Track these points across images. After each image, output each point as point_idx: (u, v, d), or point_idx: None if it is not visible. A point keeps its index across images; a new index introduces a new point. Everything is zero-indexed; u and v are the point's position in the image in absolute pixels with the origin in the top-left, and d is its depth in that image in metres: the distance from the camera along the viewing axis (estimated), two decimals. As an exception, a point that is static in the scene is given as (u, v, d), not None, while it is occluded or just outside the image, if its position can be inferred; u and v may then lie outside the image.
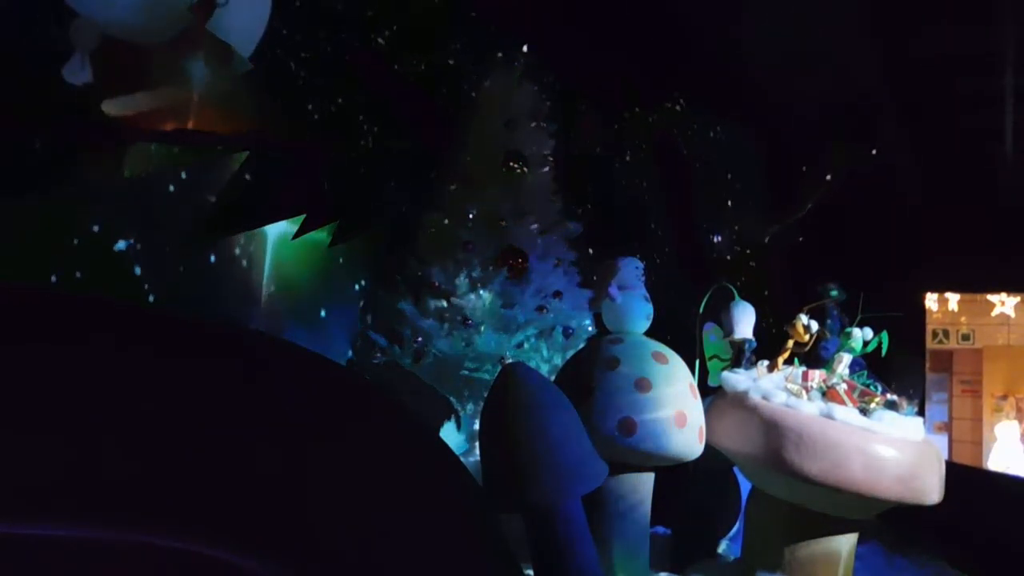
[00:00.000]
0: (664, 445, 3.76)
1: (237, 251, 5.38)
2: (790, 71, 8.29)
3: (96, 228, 4.39)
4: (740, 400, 3.97)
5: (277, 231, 5.76)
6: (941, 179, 9.17)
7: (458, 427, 5.24)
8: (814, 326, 4.27)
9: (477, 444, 4.31)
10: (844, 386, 3.97)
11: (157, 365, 2.06)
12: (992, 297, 9.80)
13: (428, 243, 5.92)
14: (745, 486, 4.40)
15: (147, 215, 4.74)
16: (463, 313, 5.57)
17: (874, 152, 9.35)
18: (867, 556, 4.47)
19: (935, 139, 9.11)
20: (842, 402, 3.83)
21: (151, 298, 4.69)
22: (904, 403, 3.92)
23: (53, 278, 4.11)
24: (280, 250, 5.80)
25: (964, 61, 8.42)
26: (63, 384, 1.90)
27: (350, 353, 6.04)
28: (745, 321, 4.66)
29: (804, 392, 3.90)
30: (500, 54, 6.34)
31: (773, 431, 3.73)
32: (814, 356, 4.39)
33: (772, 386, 3.95)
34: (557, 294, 5.87)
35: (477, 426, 4.59)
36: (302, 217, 5.86)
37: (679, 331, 5.01)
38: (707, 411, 4.05)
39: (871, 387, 4.04)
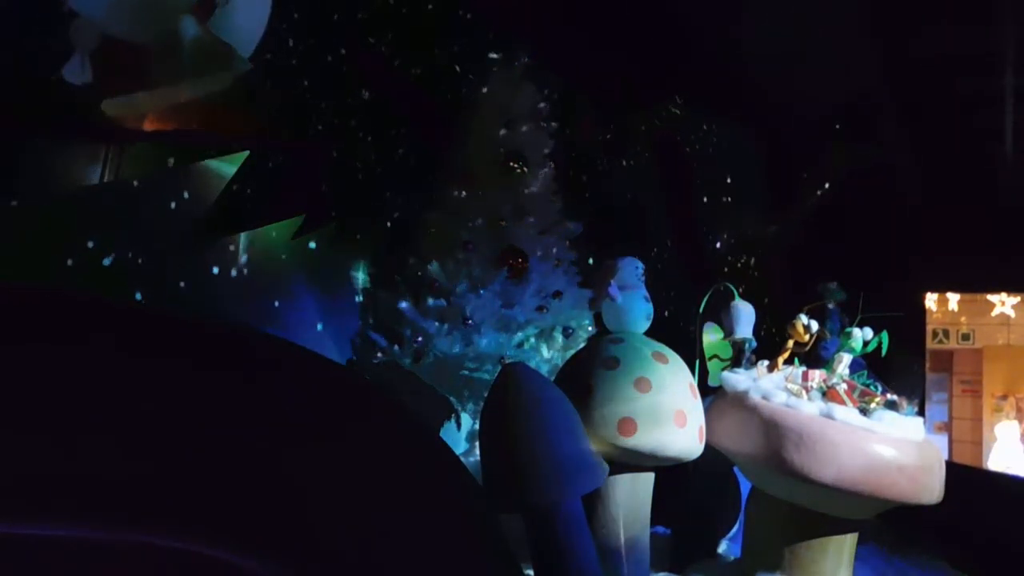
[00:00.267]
0: (664, 445, 3.76)
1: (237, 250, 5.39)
2: (790, 71, 8.28)
3: (96, 228, 4.39)
4: (740, 400, 3.97)
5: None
6: (941, 179, 9.17)
7: (458, 427, 5.25)
8: (814, 326, 4.27)
9: (477, 444, 4.31)
10: (844, 386, 3.97)
11: (157, 365, 2.06)
12: (992, 297, 9.79)
13: (428, 243, 5.91)
14: (745, 486, 4.40)
15: (147, 215, 4.74)
16: (463, 313, 5.57)
17: (873, 152, 9.34)
18: (867, 556, 4.47)
19: (935, 139, 9.10)
20: (842, 402, 3.83)
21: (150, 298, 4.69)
22: (904, 403, 3.93)
23: (52, 278, 4.11)
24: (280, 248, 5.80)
25: (964, 61, 8.42)
26: (63, 384, 1.90)
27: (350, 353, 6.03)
28: (745, 321, 4.66)
29: (804, 392, 3.90)
30: (500, 54, 6.33)
31: (773, 431, 3.73)
32: (814, 356, 4.39)
33: (772, 386, 3.95)
34: (557, 294, 5.87)
35: (477, 426, 4.60)
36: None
37: (679, 331, 5.02)
38: (707, 411, 4.05)
39: (871, 387, 4.04)
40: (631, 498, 3.93)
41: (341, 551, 2.13)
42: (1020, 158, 8.80)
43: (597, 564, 3.55)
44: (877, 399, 3.90)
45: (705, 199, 9.34)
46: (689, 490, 4.44)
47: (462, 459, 3.76)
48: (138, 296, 4.62)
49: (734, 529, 4.69)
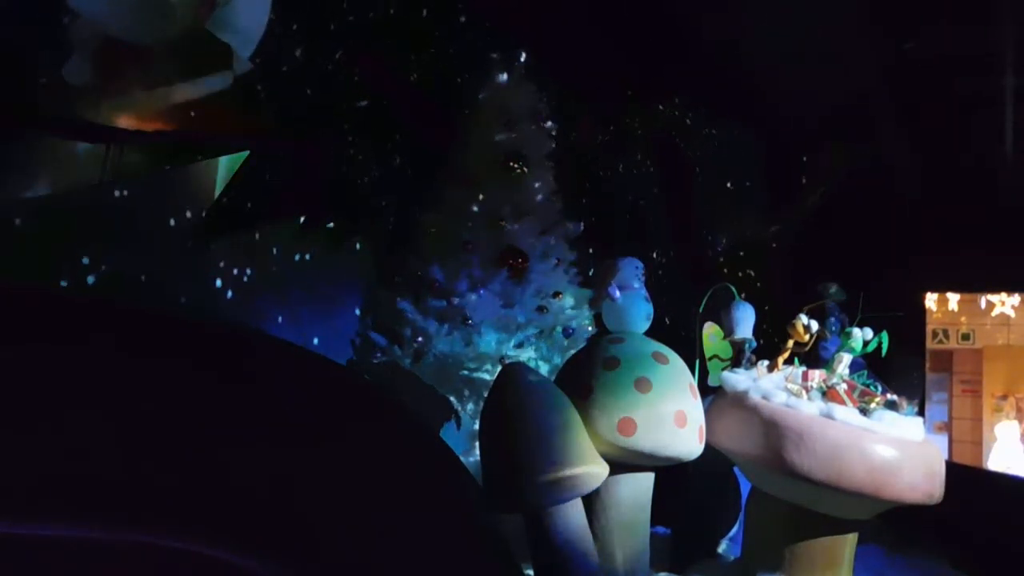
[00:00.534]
0: (664, 445, 3.76)
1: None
2: (790, 71, 8.28)
3: (96, 229, 4.39)
4: (740, 400, 3.97)
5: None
6: (941, 179, 9.17)
7: (458, 427, 5.25)
8: (814, 326, 4.27)
9: (477, 444, 4.31)
10: (844, 386, 3.97)
11: (157, 365, 2.06)
12: (992, 297, 9.79)
13: (428, 243, 5.92)
14: (745, 486, 4.40)
15: (147, 216, 4.74)
16: (463, 313, 5.57)
17: (873, 152, 9.34)
18: (867, 556, 4.47)
19: (935, 139, 9.10)
20: (842, 402, 3.83)
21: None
22: (904, 403, 3.93)
23: (51, 279, 4.11)
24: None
25: (963, 61, 8.42)
26: (63, 384, 1.90)
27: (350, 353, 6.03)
28: (745, 321, 4.66)
29: (804, 392, 3.90)
30: (500, 55, 6.34)
31: (773, 431, 3.73)
32: (814, 356, 4.39)
33: (772, 386, 3.95)
34: (557, 294, 5.88)
35: (477, 426, 4.60)
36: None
37: (679, 331, 5.02)
38: (707, 411, 4.04)
39: (871, 387, 4.04)
40: (631, 498, 3.93)
41: (341, 551, 2.13)
42: (1020, 158, 8.80)
43: (597, 564, 3.55)
44: (877, 399, 3.90)
45: (705, 199, 9.35)
46: (689, 490, 4.44)
47: (462, 459, 3.76)
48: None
49: (734, 529, 4.69)
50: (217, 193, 5.22)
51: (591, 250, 6.38)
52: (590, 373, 3.86)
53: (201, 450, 1.99)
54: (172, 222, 4.92)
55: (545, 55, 6.67)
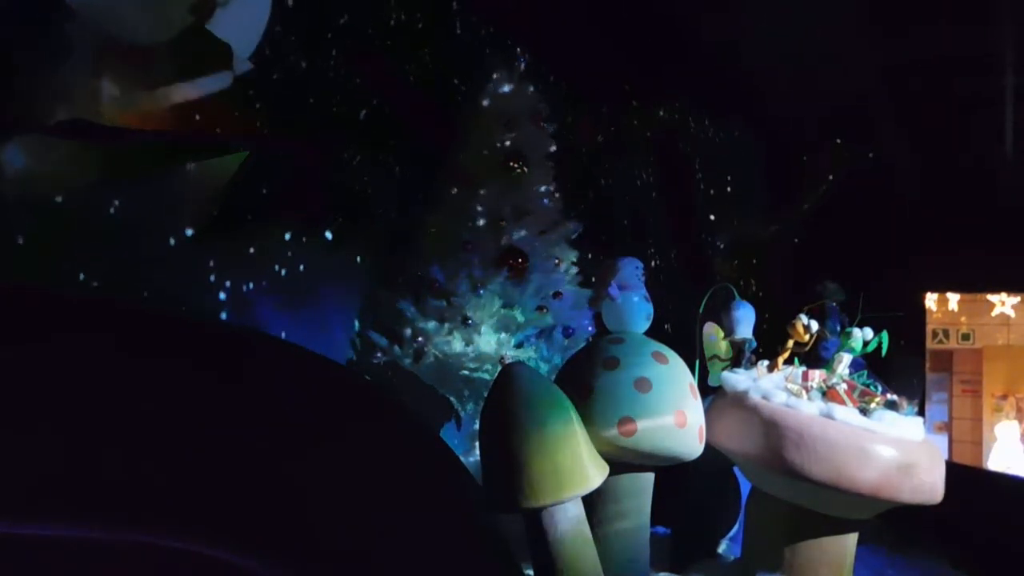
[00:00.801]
0: (664, 445, 3.76)
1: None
2: (790, 71, 8.29)
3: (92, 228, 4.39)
4: (740, 400, 3.96)
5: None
6: (941, 179, 9.17)
7: (458, 427, 5.25)
8: (814, 326, 4.27)
9: (477, 444, 4.31)
10: (844, 386, 3.97)
11: (157, 365, 2.06)
12: (992, 297, 9.79)
13: (428, 243, 5.92)
14: (745, 486, 4.40)
15: (146, 216, 4.74)
16: (463, 313, 5.57)
17: (873, 152, 9.35)
18: (867, 556, 4.46)
19: (935, 139, 9.10)
20: (842, 402, 3.82)
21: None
22: (904, 403, 3.92)
23: (49, 278, 4.11)
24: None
25: (963, 61, 8.42)
26: (63, 384, 1.90)
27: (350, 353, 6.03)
28: (745, 321, 4.66)
29: (804, 392, 3.89)
30: (499, 55, 6.34)
31: (773, 431, 3.73)
32: (814, 356, 4.38)
33: (772, 386, 3.95)
34: (557, 294, 5.88)
35: (477, 426, 4.60)
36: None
37: (679, 331, 5.01)
38: (707, 411, 4.04)
39: (871, 387, 4.03)
40: (631, 498, 3.93)
41: (341, 551, 2.14)
42: (1020, 158, 8.80)
43: (597, 564, 3.55)
44: (877, 399, 3.90)
45: (705, 199, 9.35)
46: (689, 490, 4.44)
47: (462, 459, 3.76)
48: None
49: (734, 529, 4.69)
50: (217, 194, 5.22)
51: (591, 250, 6.38)
52: (590, 373, 3.86)
53: (201, 450, 1.99)
54: (172, 222, 4.92)
55: (545, 55, 6.67)
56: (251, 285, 5.50)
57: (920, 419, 3.94)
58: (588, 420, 3.67)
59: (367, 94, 6.31)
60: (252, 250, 5.50)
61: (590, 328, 5.95)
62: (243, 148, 5.32)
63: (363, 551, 2.19)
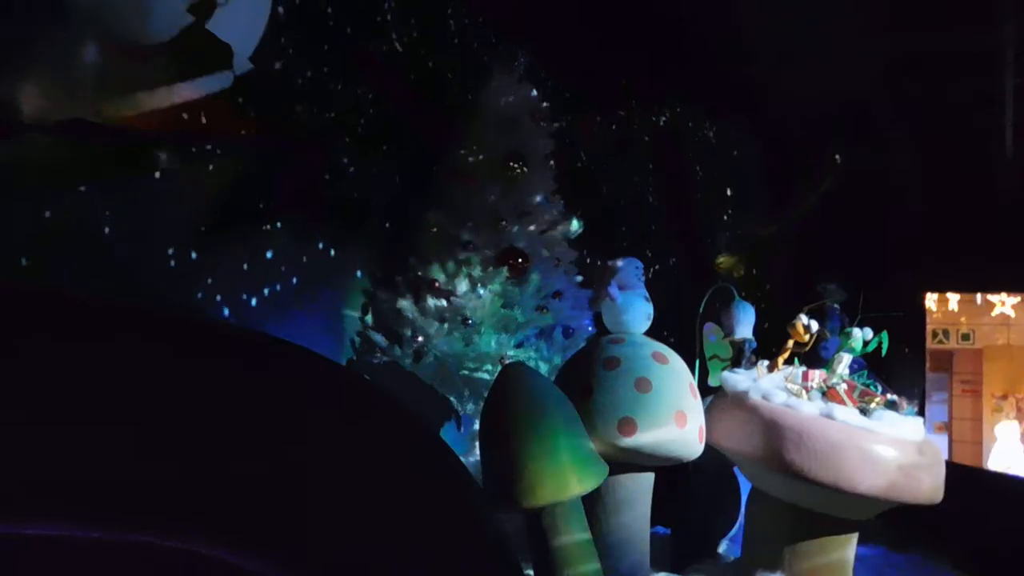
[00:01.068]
0: (664, 445, 3.76)
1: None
2: (790, 71, 8.29)
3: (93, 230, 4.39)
4: (740, 400, 3.97)
5: None
6: (941, 179, 9.17)
7: (458, 427, 5.25)
8: (814, 326, 4.27)
9: (477, 444, 4.31)
10: (844, 386, 3.97)
11: (156, 364, 2.06)
12: (992, 297, 9.79)
13: (428, 243, 5.92)
14: (745, 486, 4.40)
15: (146, 216, 4.74)
16: (463, 313, 5.57)
17: (873, 152, 9.35)
18: (867, 556, 4.47)
19: (935, 139, 9.10)
20: (842, 402, 3.83)
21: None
22: (904, 403, 3.93)
23: (48, 278, 4.11)
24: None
25: (964, 61, 8.42)
26: (63, 385, 1.90)
27: (350, 353, 6.04)
28: (745, 321, 4.66)
29: (804, 392, 3.90)
30: (500, 55, 6.34)
31: (773, 431, 3.73)
32: (814, 356, 4.39)
33: (772, 386, 3.95)
34: (557, 294, 5.88)
35: (477, 426, 4.60)
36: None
37: (679, 331, 5.02)
38: (707, 411, 4.05)
39: (871, 387, 4.04)
40: (631, 498, 3.93)
41: (341, 551, 2.13)
42: (1020, 158, 8.80)
43: (597, 564, 3.55)
44: (877, 399, 3.90)
45: (705, 199, 9.35)
46: (689, 490, 4.44)
47: (462, 459, 3.76)
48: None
49: (734, 529, 4.69)
50: (215, 194, 5.22)
51: (591, 250, 6.39)
52: (590, 373, 3.86)
53: (201, 449, 1.99)
54: (168, 221, 4.92)
55: (545, 55, 6.67)
56: (251, 285, 5.50)
57: (920, 419, 3.94)
58: (588, 420, 3.67)
59: (367, 94, 6.31)
60: (251, 250, 5.50)
61: (590, 328, 5.95)
62: (243, 148, 5.32)
63: (363, 551, 2.19)
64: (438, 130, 6.45)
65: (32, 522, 1.81)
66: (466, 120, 6.21)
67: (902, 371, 8.55)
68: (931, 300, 9.93)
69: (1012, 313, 9.74)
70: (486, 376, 5.37)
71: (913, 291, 9.65)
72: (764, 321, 4.95)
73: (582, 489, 3.50)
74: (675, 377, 3.92)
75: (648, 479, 3.99)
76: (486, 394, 3.79)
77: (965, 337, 9.85)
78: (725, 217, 9.48)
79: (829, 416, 3.72)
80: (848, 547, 4.00)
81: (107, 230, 4.48)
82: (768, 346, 4.55)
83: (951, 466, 4.06)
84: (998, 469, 9.03)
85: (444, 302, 5.62)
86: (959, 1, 7.73)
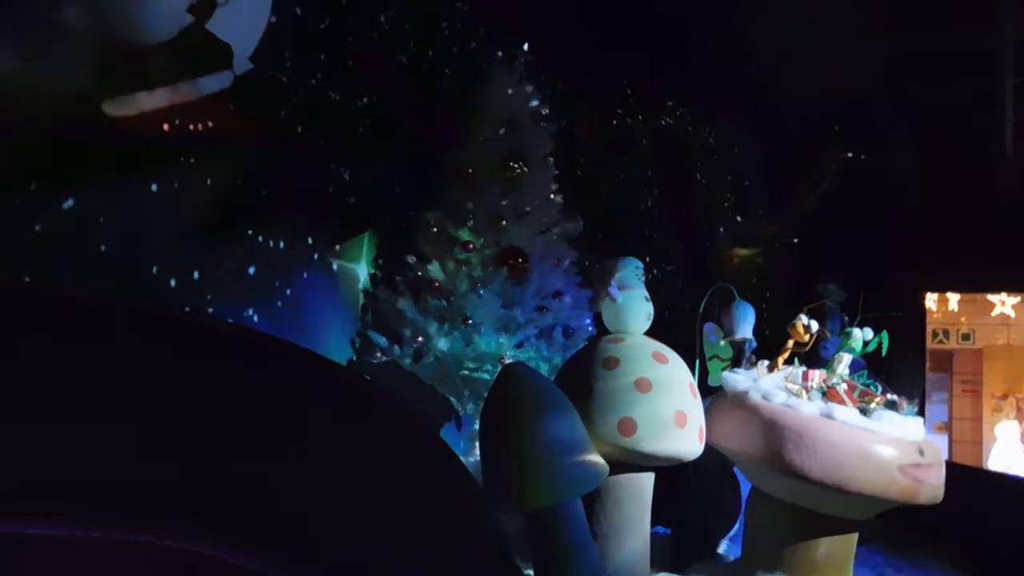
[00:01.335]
0: (664, 445, 3.76)
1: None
2: (790, 71, 8.29)
3: (93, 229, 4.39)
4: (740, 400, 3.96)
5: None
6: (941, 179, 9.17)
7: (458, 427, 5.25)
8: (814, 326, 4.27)
9: (477, 444, 4.31)
10: (844, 386, 3.97)
11: (156, 364, 2.06)
12: (992, 297, 9.79)
13: (428, 243, 5.92)
14: (745, 486, 4.40)
15: (145, 216, 4.74)
16: (463, 313, 5.57)
17: (873, 153, 9.35)
18: (867, 556, 4.47)
19: (935, 139, 9.11)
20: (842, 402, 3.82)
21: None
22: (904, 403, 3.93)
23: (48, 278, 4.11)
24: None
25: (964, 61, 8.42)
26: (62, 384, 1.90)
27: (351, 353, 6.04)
28: (745, 321, 4.66)
29: (804, 392, 3.90)
30: (500, 54, 6.34)
31: (773, 431, 3.73)
32: (814, 356, 4.39)
33: (772, 386, 3.95)
34: (557, 294, 5.88)
35: (477, 426, 4.60)
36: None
37: (679, 331, 5.02)
38: (707, 411, 4.04)
39: (871, 387, 4.04)
40: (631, 498, 3.93)
41: (341, 551, 2.13)
42: (1020, 158, 8.80)
43: (597, 564, 3.55)
44: (877, 399, 3.90)
45: (705, 199, 9.35)
46: (689, 490, 4.44)
47: (462, 459, 3.76)
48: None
49: (734, 529, 4.69)
50: (214, 194, 5.22)
51: (591, 250, 6.39)
52: (590, 373, 3.86)
53: (201, 449, 1.99)
54: (169, 221, 4.92)
55: (546, 55, 6.67)
56: (249, 285, 5.50)
57: (920, 419, 3.94)
58: (588, 420, 3.67)
59: (367, 94, 6.31)
60: (250, 249, 5.50)
61: (590, 328, 5.95)
62: (242, 148, 5.32)
63: (364, 551, 2.19)
64: (438, 130, 6.45)
65: (32, 522, 1.80)
66: (466, 120, 6.21)
67: (902, 371, 8.56)
68: (931, 300, 9.93)
69: (1012, 313, 9.75)
70: (486, 376, 5.37)
71: (913, 291, 9.66)
72: (764, 321, 4.95)
73: (582, 489, 3.50)
74: (675, 377, 3.91)
75: (648, 479, 3.99)
76: (486, 394, 3.78)
77: (965, 337, 9.86)
78: (725, 217, 9.48)
79: (829, 416, 3.71)
80: (848, 547, 3.99)
81: (107, 230, 4.47)
82: (768, 346, 4.55)
83: (951, 466, 4.06)
84: (998, 469, 9.03)
85: (444, 302, 5.62)
86: (959, 1, 7.72)
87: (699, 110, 9.18)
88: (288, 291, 5.84)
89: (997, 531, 4.88)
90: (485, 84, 6.25)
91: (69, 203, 4.33)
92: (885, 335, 4.16)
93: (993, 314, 9.81)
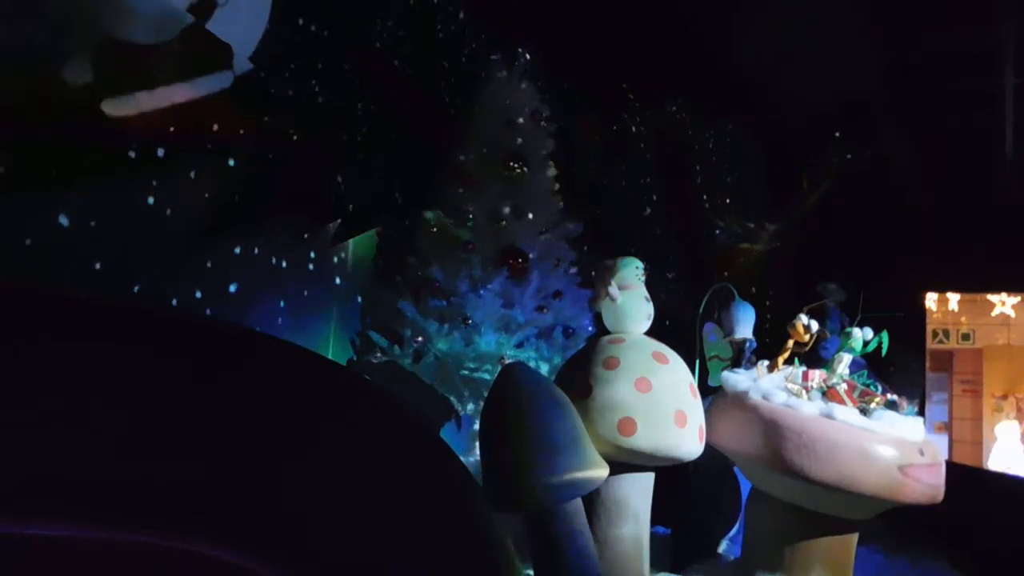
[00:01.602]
0: (664, 445, 3.76)
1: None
2: (790, 71, 8.29)
3: (94, 230, 4.39)
4: (740, 400, 3.96)
5: None
6: (941, 179, 9.17)
7: (458, 427, 5.25)
8: (814, 326, 4.27)
9: (477, 444, 4.31)
10: (844, 386, 3.97)
11: (156, 364, 2.06)
12: (992, 297, 9.80)
13: (428, 243, 5.92)
14: (745, 486, 4.40)
15: (144, 216, 4.74)
16: (463, 313, 5.57)
17: (873, 152, 9.35)
18: (867, 556, 4.46)
19: (935, 139, 9.11)
20: (842, 402, 3.83)
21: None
22: (904, 403, 3.93)
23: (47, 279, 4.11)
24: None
25: (964, 61, 8.42)
26: (62, 383, 1.90)
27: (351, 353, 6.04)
28: (745, 321, 4.66)
29: (804, 392, 3.90)
30: (500, 54, 6.34)
31: (773, 431, 3.73)
32: (814, 356, 4.39)
33: (772, 386, 3.95)
34: (557, 294, 5.88)
35: (477, 426, 4.60)
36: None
37: (679, 331, 5.02)
38: (707, 411, 4.04)
39: (871, 387, 4.04)
40: (630, 498, 3.93)
41: (341, 551, 2.13)
42: (1020, 158, 8.80)
43: (597, 564, 3.55)
44: (877, 399, 3.90)
45: (705, 199, 9.35)
46: (689, 490, 4.44)
47: (462, 459, 3.76)
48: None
49: (734, 529, 4.69)
50: (214, 194, 5.22)
51: (591, 250, 6.39)
52: (590, 373, 3.86)
53: (200, 449, 1.99)
54: (169, 221, 4.92)
55: (545, 55, 6.67)
56: (249, 286, 5.50)
57: (920, 419, 3.94)
58: (588, 420, 3.67)
59: (367, 94, 6.31)
60: (250, 250, 5.50)
61: (590, 328, 5.95)
62: (242, 148, 5.32)
63: (363, 551, 2.19)
64: (438, 130, 6.45)
65: (32, 522, 1.80)
66: (466, 120, 6.21)
67: (902, 371, 8.56)
68: (931, 300, 9.94)
69: (1012, 313, 9.75)
70: (486, 376, 5.37)
71: (913, 291, 9.66)
72: (764, 321, 4.95)
73: (582, 489, 3.50)
74: (675, 377, 3.91)
75: (648, 479, 3.99)
76: (486, 394, 3.78)
77: (965, 337, 9.86)
78: (725, 217, 9.48)
79: (829, 416, 3.72)
80: (848, 547, 4.00)
81: (107, 231, 4.47)
82: (768, 346, 4.55)
83: (951, 466, 4.06)
84: (998, 469, 9.03)
85: (444, 302, 5.62)
86: (959, 1, 7.72)
87: (699, 110, 9.18)
88: (288, 291, 5.84)
89: (997, 531, 4.88)
90: (485, 84, 6.26)
91: (68, 204, 4.33)
92: (885, 335, 4.16)
93: (993, 314, 9.82)
